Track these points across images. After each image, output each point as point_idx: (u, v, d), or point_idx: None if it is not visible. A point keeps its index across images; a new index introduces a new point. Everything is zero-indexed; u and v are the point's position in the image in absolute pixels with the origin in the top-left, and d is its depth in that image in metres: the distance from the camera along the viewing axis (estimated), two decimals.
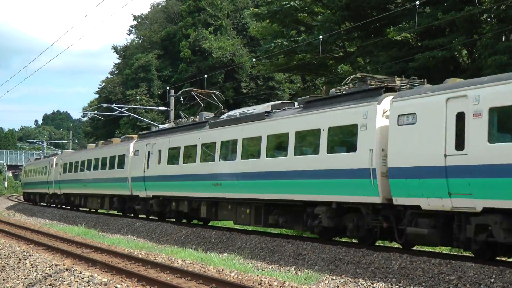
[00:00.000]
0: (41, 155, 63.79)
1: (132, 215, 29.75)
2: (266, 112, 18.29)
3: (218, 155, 20.08)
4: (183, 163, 22.34)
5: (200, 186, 21.01)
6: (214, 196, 20.50)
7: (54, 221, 33.54)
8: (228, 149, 19.87)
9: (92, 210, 36.27)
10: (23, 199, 57.81)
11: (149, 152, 25.09)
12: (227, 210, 20.27)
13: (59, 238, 22.11)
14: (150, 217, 27.35)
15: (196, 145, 21.54)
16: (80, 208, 37.93)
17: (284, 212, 17.63)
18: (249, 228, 22.76)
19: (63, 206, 41.15)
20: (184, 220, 24.93)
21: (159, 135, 25.06)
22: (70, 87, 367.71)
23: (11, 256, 16.98)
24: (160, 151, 24.19)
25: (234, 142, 19.33)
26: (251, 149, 18.68)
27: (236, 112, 20.66)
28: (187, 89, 28.70)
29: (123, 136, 32.21)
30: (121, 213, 30.91)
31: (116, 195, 29.50)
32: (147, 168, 25.05)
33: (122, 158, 28.46)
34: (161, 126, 27.33)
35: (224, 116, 21.16)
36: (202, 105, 27.04)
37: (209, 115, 23.12)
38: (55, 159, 42.11)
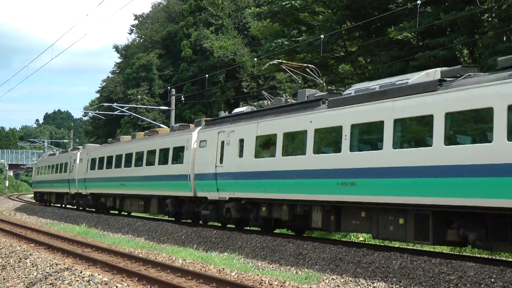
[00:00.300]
0: (56, 150, 57.33)
1: (190, 221, 24.04)
2: (439, 80, 13.06)
3: (348, 144, 14.94)
4: (283, 155, 17.38)
5: (314, 186, 16.08)
6: (338, 200, 15.40)
7: (55, 221, 33.59)
8: (366, 136, 14.96)
9: (124, 213, 31.81)
10: (34, 200, 51.85)
11: (223, 142, 20.29)
12: (359, 219, 15.13)
13: (60, 238, 22.12)
14: (222, 225, 21.93)
15: (305, 131, 16.50)
16: (111, 211, 33.00)
17: (475, 224, 12.37)
18: (251, 227, 21.68)
19: (87, 209, 35.75)
20: (278, 230, 20.23)
21: (239, 120, 20.01)
22: (71, 87, 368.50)
23: (12, 256, 16.99)
24: (242, 140, 19.35)
25: (377, 125, 14.19)
26: (410, 134, 13.76)
27: (374, 85, 15.23)
28: (275, 61, 22.81)
29: (177, 125, 26.61)
30: (173, 219, 25.30)
31: (170, 196, 24.09)
32: (221, 162, 20.25)
33: (179, 151, 23.46)
34: (237, 110, 21.96)
35: (350, 92, 15.93)
36: (299, 81, 22.08)
37: (316, 92, 18.01)
38: (79, 154, 36.32)
